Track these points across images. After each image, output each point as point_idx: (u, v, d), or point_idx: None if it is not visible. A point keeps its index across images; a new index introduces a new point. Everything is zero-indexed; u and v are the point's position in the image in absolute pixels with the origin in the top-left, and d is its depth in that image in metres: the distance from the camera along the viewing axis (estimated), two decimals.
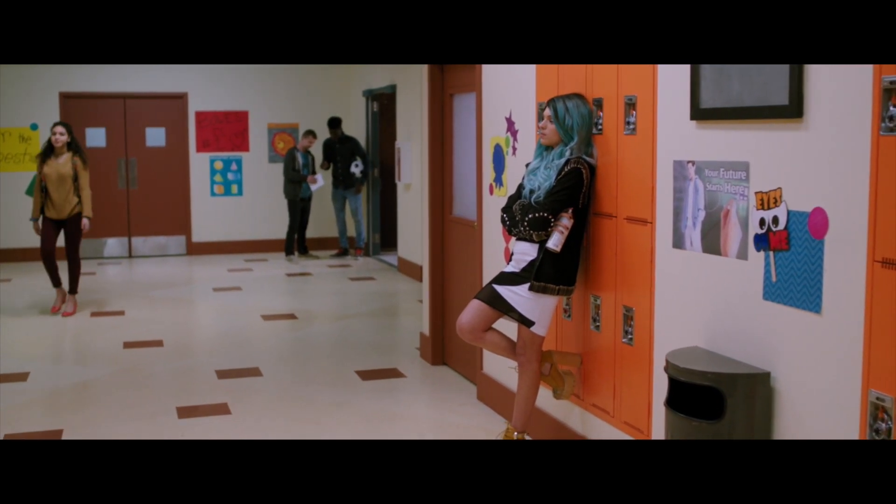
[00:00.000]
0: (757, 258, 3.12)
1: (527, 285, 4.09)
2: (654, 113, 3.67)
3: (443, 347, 6.48)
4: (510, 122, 5.02)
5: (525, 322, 4.14)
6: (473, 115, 5.73)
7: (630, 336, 3.91)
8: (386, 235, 12.27)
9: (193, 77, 12.26)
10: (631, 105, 3.82)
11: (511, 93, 5.01)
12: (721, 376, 3.07)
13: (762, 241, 3.09)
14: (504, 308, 4.16)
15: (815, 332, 2.88)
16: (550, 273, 4.06)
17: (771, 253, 3.05)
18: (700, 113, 3.37)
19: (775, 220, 3.02)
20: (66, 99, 11.91)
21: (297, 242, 11.91)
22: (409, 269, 10.48)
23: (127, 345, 7.14)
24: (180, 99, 12.30)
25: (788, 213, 2.96)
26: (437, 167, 6.35)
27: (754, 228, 3.12)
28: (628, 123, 3.84)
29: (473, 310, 4.22)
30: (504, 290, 4.16)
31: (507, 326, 4.48)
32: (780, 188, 3.00)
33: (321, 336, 7.52)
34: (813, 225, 2.86)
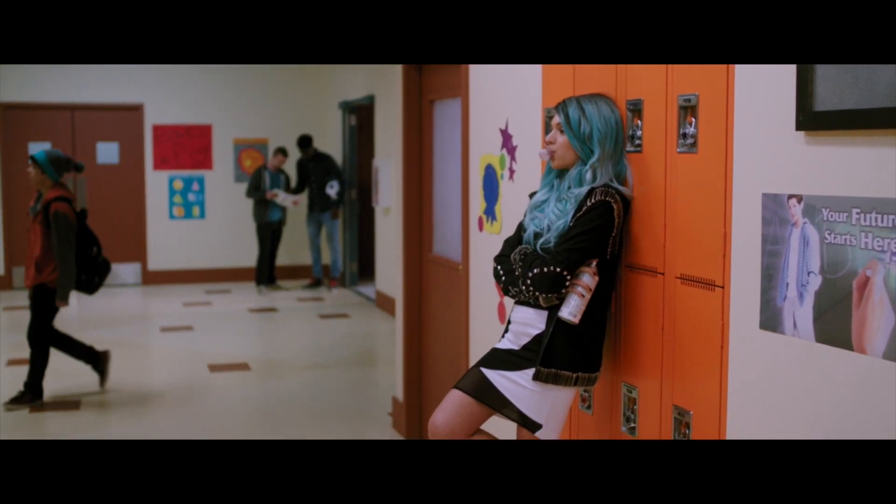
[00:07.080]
0: None
1: (530, 371, 2.81)
2: (729, 119, 2.41)
3: (419, 416, 5.20)
4: (506, 136, 3.77)
5: (528, 425, 2.85)
6: (458, 127, 4.48)
7: None
8: (364, 264, 11.00)
9: (150, 86, 11.03)
10: (689, 109, 2.56)
11: (508, 96, 3.76)
12: None
13: None
14: (497, 403, 2.87)
15: None
16: (565, 353, 2.79)
17: None
18: (814, 119, 2.11)
19: None
20: (7, 110, 10.69)
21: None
22: (388, 305, 9.19)
23: (34, 409, 5.83)
24: (136, 111, 11.09)
25: None
26: (413, 192, 5.09)
27: None
28: (685, 136, 2.58)
29: (453, 405, 2.92)
30: (497, 378, 2.87)
31: (502, 424, 3.18)
32: None
33: (276, 394, 6.22)
34: None
